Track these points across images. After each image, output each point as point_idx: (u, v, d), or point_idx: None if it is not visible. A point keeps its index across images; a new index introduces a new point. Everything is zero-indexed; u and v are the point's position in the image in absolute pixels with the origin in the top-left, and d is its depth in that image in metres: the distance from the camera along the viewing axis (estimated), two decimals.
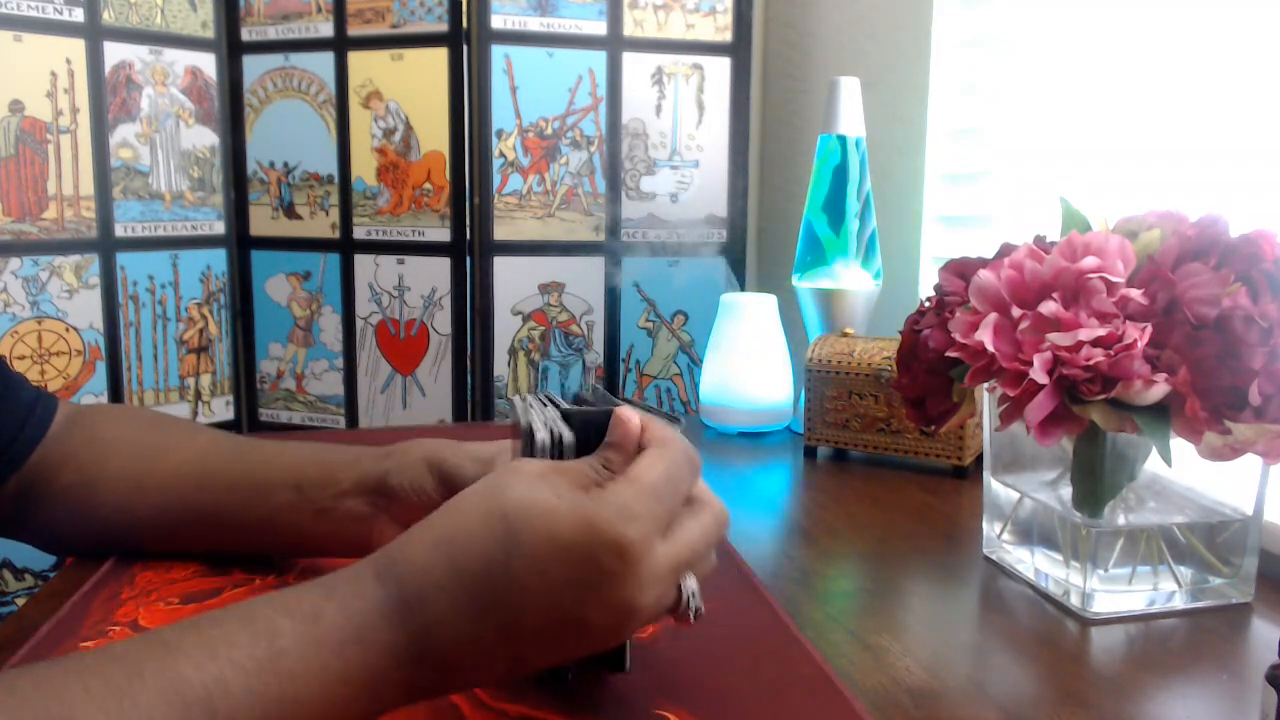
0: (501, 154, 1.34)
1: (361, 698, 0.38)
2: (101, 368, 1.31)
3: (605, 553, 0.39)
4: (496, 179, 1.34)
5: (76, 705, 0.32)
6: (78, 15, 1.25)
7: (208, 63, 1.39)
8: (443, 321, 1.37)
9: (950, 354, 0.60)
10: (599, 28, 1.34)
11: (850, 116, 1.07)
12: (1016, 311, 0.58)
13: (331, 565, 0.62)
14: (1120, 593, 0.61)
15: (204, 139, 1.40)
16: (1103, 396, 0.54)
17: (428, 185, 1.35)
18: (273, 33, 1.39)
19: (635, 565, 0.39)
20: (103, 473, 0.63)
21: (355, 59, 1.36)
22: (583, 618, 0.39)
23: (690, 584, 0.42)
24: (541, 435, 0.44)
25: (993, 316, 0.58)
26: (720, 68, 1.39)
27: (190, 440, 0.66)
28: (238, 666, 0.35)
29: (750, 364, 1.07)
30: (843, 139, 1.06)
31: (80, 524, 0.64)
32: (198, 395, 1.42)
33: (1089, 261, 0.57)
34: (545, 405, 0.48)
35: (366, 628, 0.38)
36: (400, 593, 0.39)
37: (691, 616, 0.42)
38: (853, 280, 1.06)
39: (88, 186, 1.28)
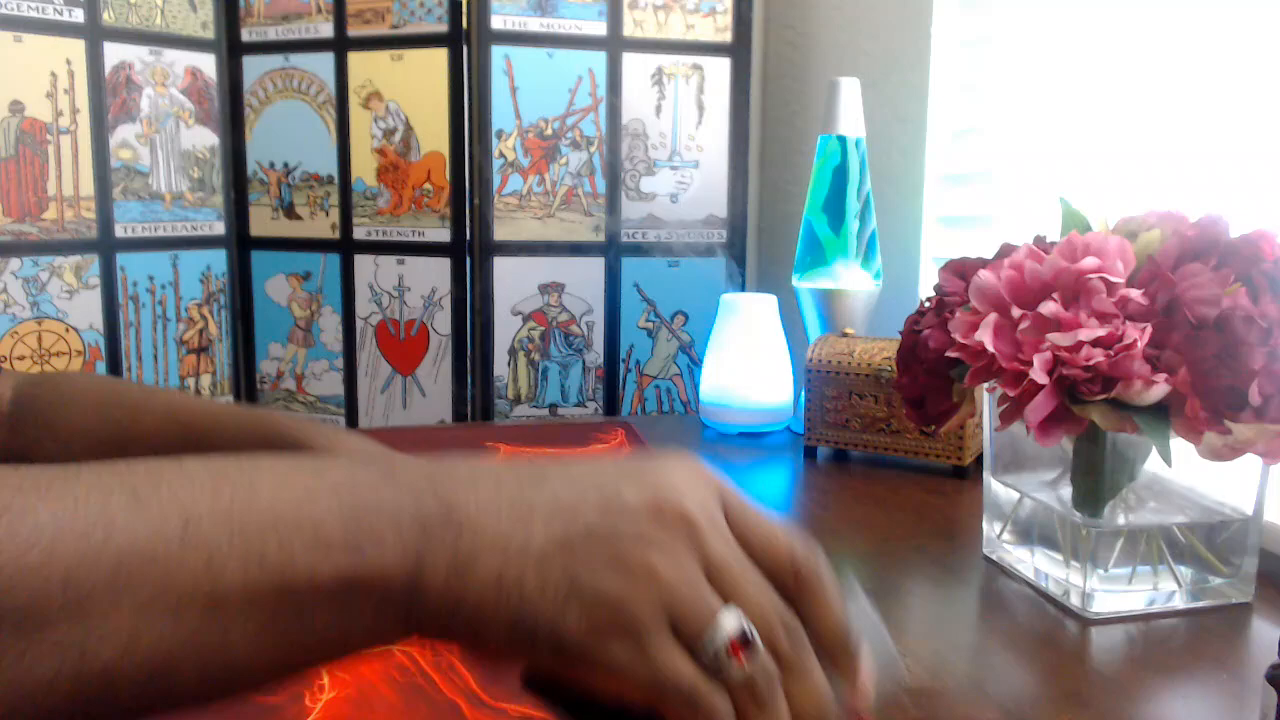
0: (501, 154, 1.34)
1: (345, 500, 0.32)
2: (101, 368, 1.31)
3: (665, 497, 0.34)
4: (496, 179, 1.34)
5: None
6: (78, 16, 1.25)
7: (208, 63, 1.39)
8: (443, 322, 1.37)
9: (950, 354, 0.60)
10: (599, 28, 1.34)
11: (850, 117, 1.07)
12: (1016, 311, 0.58)
13: None
14: (1120, 593, 0.61)
15: (204, 139, 1.40)
16: (1103, 396, 0.54)
17: (428, 186, 1.35)
18: (273, 33, 1.39)
19: (687, 518, 0.34)
20: (82, 436, 0.62)
21: (355, 59, 1.36)
22: (618, 493, 0.34)
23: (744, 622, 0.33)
24: None
25: (993, 316, 0.58)
26: (720, 68, 1.39)
27: (152, 397, 0.65)
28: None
29: (750, 364, 1.07)
30: (843, 139, 1.06)
31: None
32: (198, 395, 1.42)
33: (1089, 261, 0.57)
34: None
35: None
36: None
37: (726, 650, 0.33)
38: (853, 280, 1.06)
39: (88, 187, 1.28)
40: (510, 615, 0.32)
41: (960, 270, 0.66)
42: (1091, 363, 0.54)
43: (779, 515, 0.37)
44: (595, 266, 1.38)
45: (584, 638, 0.32)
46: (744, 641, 0.33)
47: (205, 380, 1.42)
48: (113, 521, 0.28)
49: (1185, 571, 0.62)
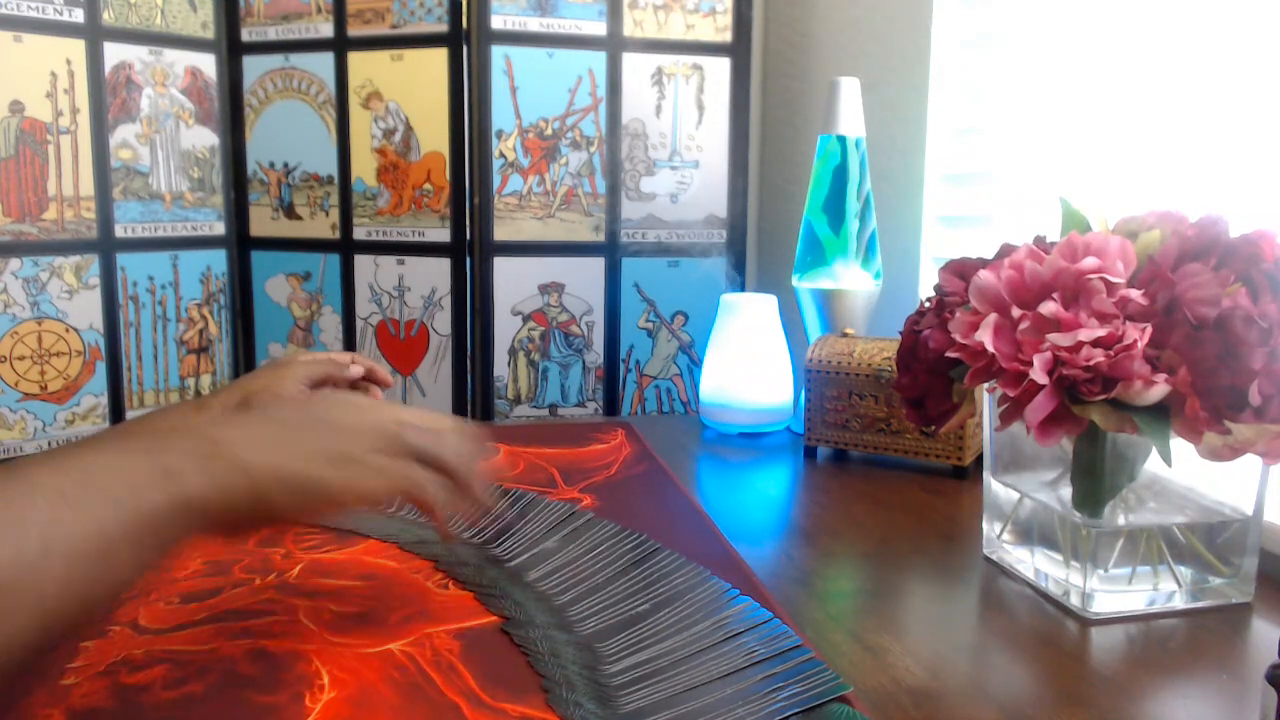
0: (501, 154, 1.34)
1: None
2: (101, 368, 1.31)
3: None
4: (496, 179, 1.34)
5: None
6: (78, 16, 1.25)
7: (208, 63, 1.39)
8: (443, 322, 1.37)
9: (950, 354, 0.60)
10: (599, 28, 1.34)
11: (850, 116, 1.07)
12: (1016, 312, 0.58)
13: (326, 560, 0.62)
14: (1120, 593, 0.61)
15: (204, 139, 1.40)
16: (1103, 397, 0.54)
17: (428, 185, 1.35)
18: (273, 33, 1.39)
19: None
20: None
21: (355, 59, 1.36)
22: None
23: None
24: None
25: (993, 317, 0.58)
26: (720, 68, 1.39)
27: None
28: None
29: (750, 364, 1.07)
30: (843, 139, 1.06)
31: None
32: (198, 396, 1.41)
33: (1089, 262, 0.57)
34: None
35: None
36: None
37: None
38: (853, 280, 1.06)
39: (88, 187, 1.28)
40: (292, 484, 0.50)
41: (960, 270, 0.66)
42: (1091, 363, 0.54)
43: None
44: (595, 266, 1.38)
45: (345, 475, 0.51)
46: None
47: (205, 380, 1.42)
48: (23, 516, 0.41)
49: (1185, 571, 0.62)
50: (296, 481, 0.50)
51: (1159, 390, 0.53)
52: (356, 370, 0.91)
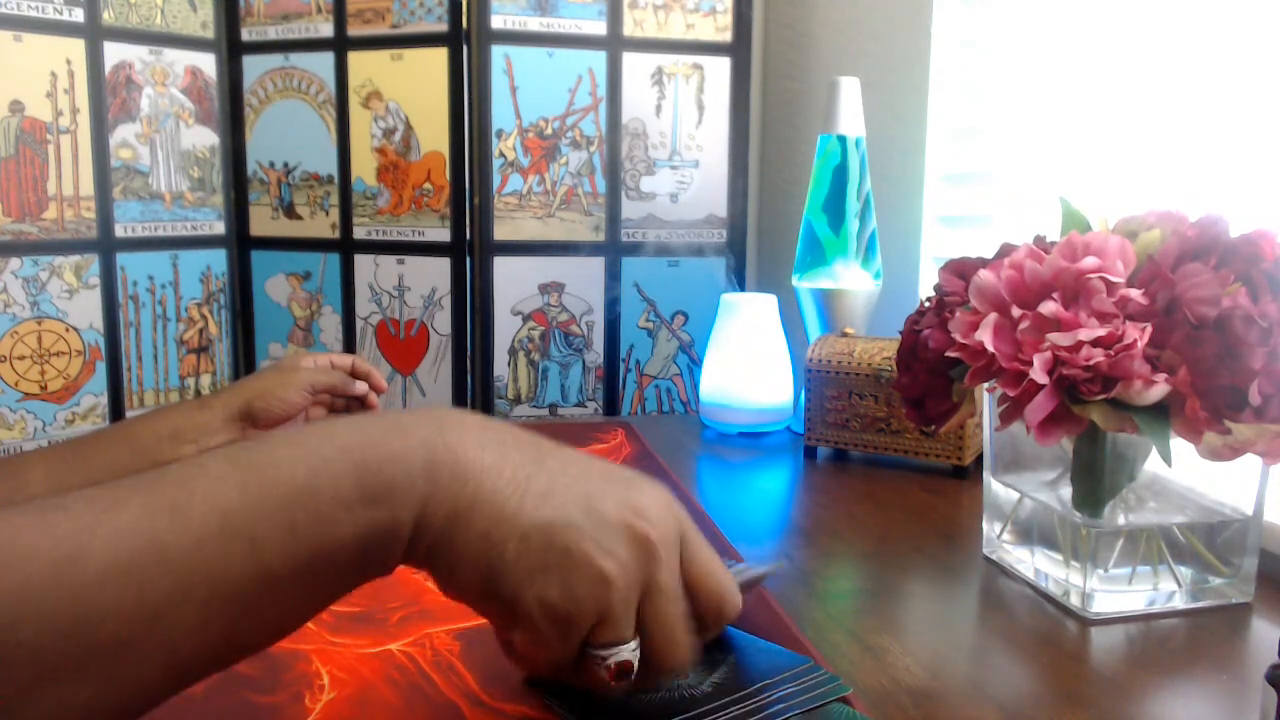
0: (501, 154, 1.34)
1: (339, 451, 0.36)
2: (101, 368, 1.31)
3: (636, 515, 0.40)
4: (496, 179, 1.34)
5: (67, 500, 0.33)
6: (78, 15, 1.25)
7: (208, 63, 1.39)
8: (443, 322, 1.37)
9: (950, 354, 0.60)
10: (599, 28, 1.34)
11: (850, 116, 1.07)
12: (1016, 311, 0.58)
13: None
14: (1120, 593, 0.61)
15: (204, 139, 1.40)
16: (1103, 396, 0.54)
17: (428, 185, 1.35)
18: (273, 33, 1.39)
19: (648, 542, 0.40)
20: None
21: (355, 59, 1.36)
22: (592, 493, 0.40)
23: (632, 648, 0.41)
24: None
25: (993, 316, 0.58)
26: (720, 68, 1.39)
27: (24, 468, 0.72)
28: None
29: (750, 364, 1.07)
30: (843, 139, 1.06)
31: None
32: (198, 395, 1.41)
33: (1089, 261, 0.57)
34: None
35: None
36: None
37: (611, 669, 0.40)
38: (853, 280, 1.06)
39: (88, 186, 1.28)
40: (485, 569, 0.38)
41: (960, 270, 0.66)
42: (1091, 363, 0.54)
43: (723, 565, 0.44)
44: (595, 266, 1.38)
45: (533, 609, 0.38)
46: (621, 673, 0.40)
47: (205, 380, 1.42)
48: (162, 544, 0.31)
49: (1185, 571, 0.62)
50: (526, 553, 0.38)
51: (1159, 390, 0.53)
52: (362, 388, 0.90)
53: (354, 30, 1.35)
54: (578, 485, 0.40)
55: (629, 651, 0.40)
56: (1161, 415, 0.54)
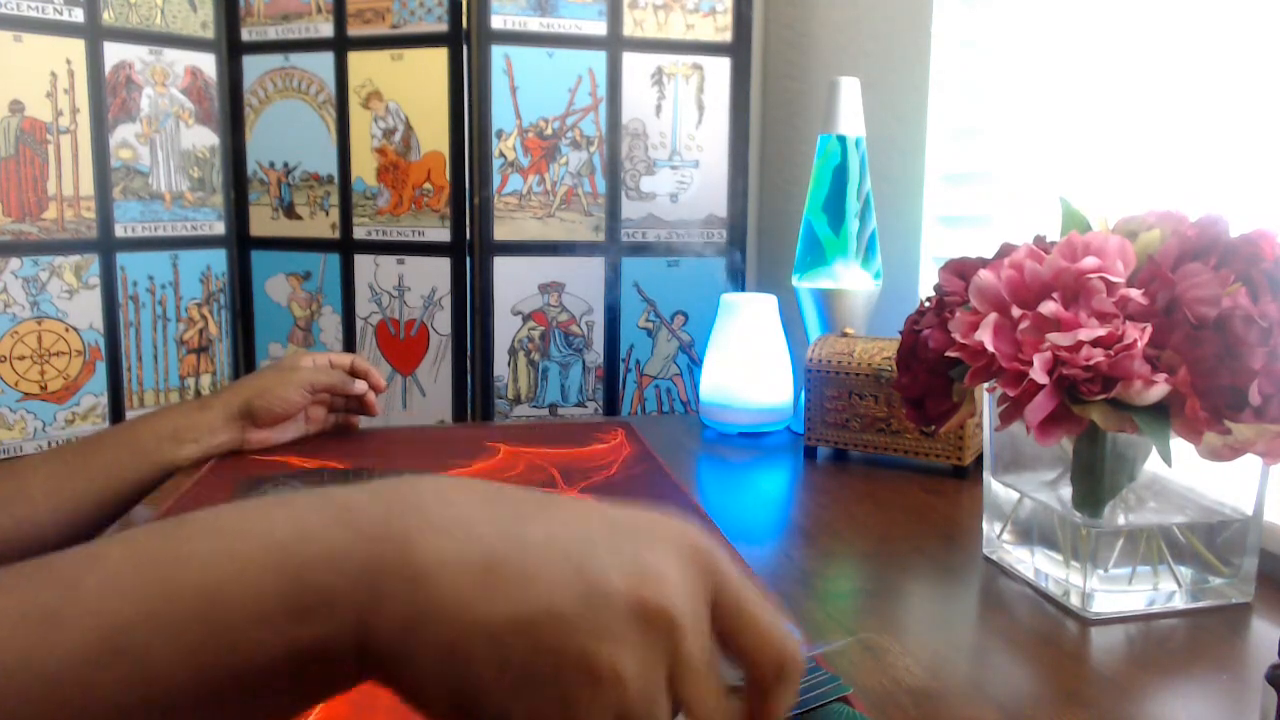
0: (501, 154, 1.34)
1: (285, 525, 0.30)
2: (101, 368, 1.31)
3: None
4: (496, 179, 1.34)
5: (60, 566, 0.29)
6: (78, 15, 1.25)
7: (208, 63, 1.39)
8: (443, 322, 1.37)
9: (950, 354, 0.60)
10: (599, 28, 1.34)
11: (850, 116, 1.07)
12: (1016, 311, 0.58)
13: None
14: (1120, 593, 0.61)
15: (204, 139, 1.40)
16: (1103, 396, 0.54)
17: (428, 185, 1.35)
18: (273, 33, 1.39)
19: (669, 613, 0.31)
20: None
21: (355, 59, 1.36)
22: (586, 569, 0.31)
23: None
24: None
25: (993, 316, 0.58)
26: (720, 68, 1.39)
27: (28, 471, 0.74)
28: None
29: (750, 364, 1.07)
30: (843, 139, 1.06)
31: None
32: (198, 395, 1.41)
33: (1089, 261, 0.57)
34: None
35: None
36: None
37: None
38: (853, 280, 1.06)
39: (88, 186, 1.28)
40: (453, 685, 0.29)
41: (960, 270, 0.66)
42: (1091, 363, 0.54)
43: (773, 606, 0.34)
44: (595, 266, 1.38)
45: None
46: None
47: (205, 380, 1.42)
48: (32, 662, 0.26)
49: (1185, 571, 0.62)
50: (502, 665, 0.29)
51: (1159, 390, 0.53)
52: (361, 386, 0.92)
53: (354, 30, 1.35)
54: (569, 557, 0.31)
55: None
56: (1161, 415, 0.54)
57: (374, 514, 0.30)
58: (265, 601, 0.28)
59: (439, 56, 1.32)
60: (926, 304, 0.67)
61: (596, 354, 1.40)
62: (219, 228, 1.43)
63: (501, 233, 1.35)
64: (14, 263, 1.23)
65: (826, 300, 1.07)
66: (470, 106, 1.32)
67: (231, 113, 1.42)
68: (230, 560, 0.28)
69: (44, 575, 0.28)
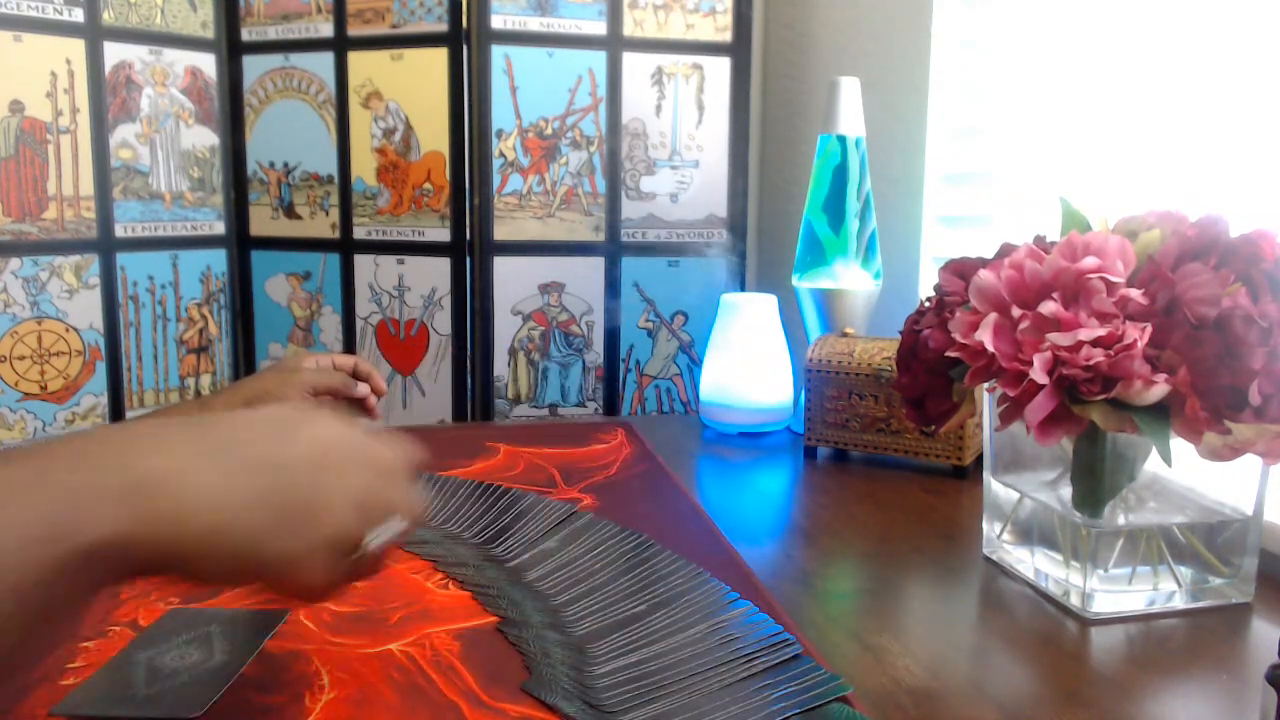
0: (501, 154, 1.34)
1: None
2: (101, 368, 1.31)
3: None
4: (496, 179, 1.34)
5: None
6: (78, 15, 1.25)
7: (208, 63, 1.39)
8: (443, 321, 1.37)
9: (950, 354, 0.60)
10: (599, 28, 1.34)
11: (850, 116, 1.07)
12: (1016, 311, 0.58)
13: None
14: (1120, 593, 0.61)
15: (204, 139, 1.40)
16: (1103, 396, 0.54)
17: (428, 185, 1.35)
18: (273, 33, 1.39)
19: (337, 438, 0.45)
20: None
21: (355, 59, 1.36)
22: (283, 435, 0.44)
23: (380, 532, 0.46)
24: None
25: (993, 316, 0.58)
26: (720, 68, 1.39)
27: None
28: None
29: (750, 364, 1.07)
30: (843, 139, 1.06)
31: None
32: (198, 395, 1.41)
33: (1089, 261, 0.57)
34: None
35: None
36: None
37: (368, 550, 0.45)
38: (853, 280, 1.06)
39: (88, 186, 1.28)
40: (228, 551, 0.40)
41: (960, 270, 0.66)
42: (1091, 363, 0.54)
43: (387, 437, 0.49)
44: (595, 266, 1.38)
45: (280, 562, 0.42)
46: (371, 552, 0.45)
47: (205, 380, 1.42)
48: None
49: (1185, 571, 0.62)
50: (232, 550, 0.40)
51: (1159, 390, 0.53)
52: (363, 389, 0.91)
53: (354, 30, 1.35)
54: (265, 441, 0.44)
55: (374, 544, 0.45)
56: (1161, 415, 0.54)
57: (105, 452, 0.39)
58: (27, 530, 0.35)
59: (439, 56, 1.32)
60: (926, 304, 0.67)
61: (596, 354, 1.40)
62: (219, 228, 1.43)
63: (501, 233, 1.35)
64: (14, 263, 1.23)
65: (826, 300, 1.07)
66: (470, 106, 1.32)
67: (231, 113, 1.42)
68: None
69: None
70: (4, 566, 0.34)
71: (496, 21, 1.30)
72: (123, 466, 0.38)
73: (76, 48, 1.25)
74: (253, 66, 1.41)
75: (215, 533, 0.40)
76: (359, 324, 1.41)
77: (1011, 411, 0.56)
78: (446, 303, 1.36)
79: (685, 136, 1.39)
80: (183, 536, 0.39)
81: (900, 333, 0.70)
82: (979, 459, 0.92)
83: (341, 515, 0.44)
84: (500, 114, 1.33)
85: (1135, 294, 0.56)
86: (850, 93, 1.07)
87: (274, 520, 0.41)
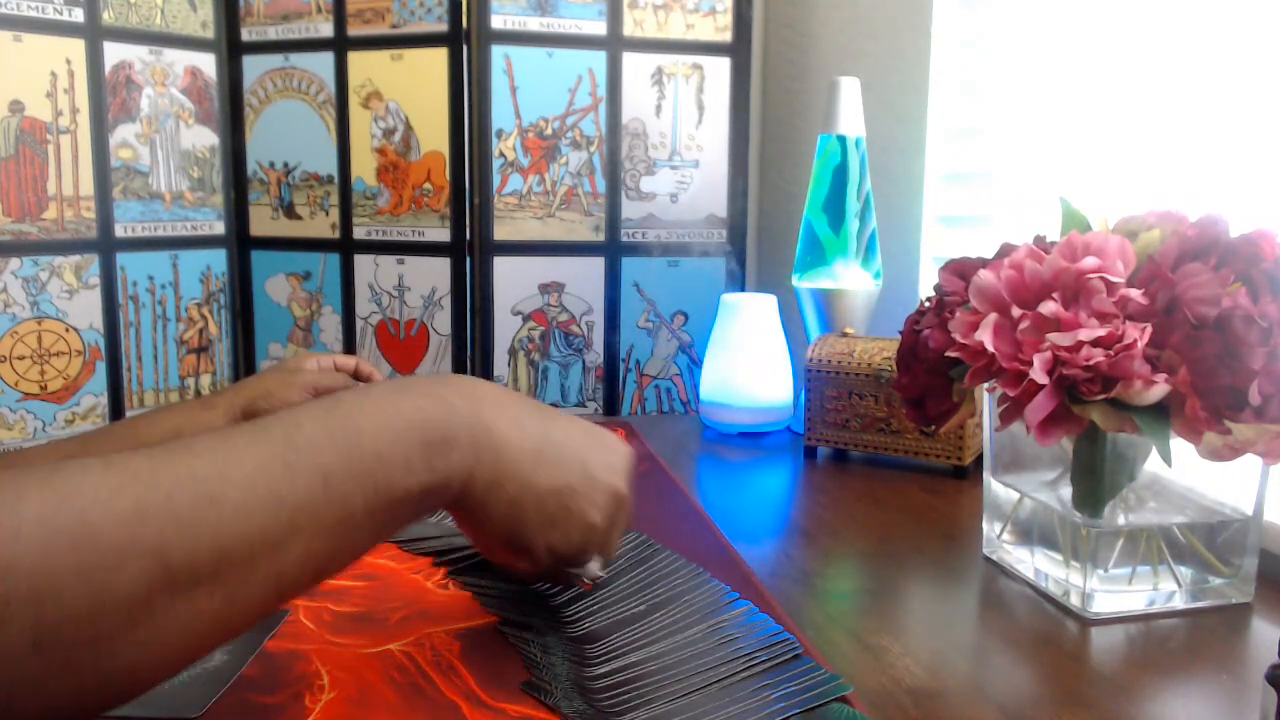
0: (501, 154, 1.34)
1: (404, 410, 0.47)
2: (101, 368, 1.31)
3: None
4: (496, 179, 1.34)
5: (192, 448, 0.41)
6: (78, 15, 1.25)
7: (208, 63, 1.39)
8: (443, 322, 1.37)
9: (950, 354, 0.60)
10: (599, 28, 1.34)
11: (850, 116, 1.07)
12: (1016, 311, 0.58)
13: None
14: (1120, 593, 0.61)
15: (204, 139, 1.40)
16: (1103, 396, 0.54)
17: (428, 185, 1.35)
18: (273, 33, 1.39)
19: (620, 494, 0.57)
20: None
21: (355, 59, 1.36)
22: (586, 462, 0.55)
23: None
24: None
25: (993, 316, 0.58)
26: (720, 68, 1.39)
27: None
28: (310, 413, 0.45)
29: (750, 364, 1.07)
30: (843, 139, 1.06)
31: None
32: (198, 395, 1.41)
33: (1089, 261, 0.57)
34: None
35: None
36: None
37: (591, 578, 0.59)
38: (853, 280, 1.06)
39: (88, 186, 1.28)
40: (510, 524, 0.52)
41: (960, 270, 0.66)
42: (1091, 363, 0.54)
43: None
44: (595, 266, 1.38)
45: (542, 552, 0.54)
46: (590, 579, 0.59)
47: (205, 380, 1.42)
48: (280, 494, 0.41)
49: (1185, 571, 0.62)
50: (517, 522, 0.52)
51: (1159, 390, 0.53)
52: None
53: (354, 30, 1.35)
54: (574, 451, 0.54)
55: (594, 570, 0.57)
56: (1161, 415, 0.54)
57: (467, 406, 0.49)
58: (413, 460, 0.46)
59: (439, 56, 1.32)
60: (926, 304, 0.67)
61: (596, 354, 1.40)
62: (219, 228, 1.43)
63: (501, 233, 1.35)
64: (14, 263, 1.23)
65: (826, 300, 1.07)
66: (470, 106, 1.32)
67: (231, 113, 1.42)
68: (388, 433, 0.45)
69: (266, 438, 0.42)
70: (376, 487, 0.44)
71: (496, 21, 1.30)
72: (481, 417, 0.49)
73: (76, 48, 1.25)
74: (253, 66, 1.40)
75: (514, 505, 0.51)
76: (359, 324, 1.41)
77: (1011, 411, 0.56)
78: (446, 303, 1.36)
79: (685, 136, 1.39)
80: (510, 500, 0.51)
81: (900, 333, 0.70)
82: (979, 459, 0.92)
83: (581, 537, 0.54)
84: (500, 114, 1.33)
85: (1135, 294, 0.56)
86: (850, 93, 1.07)
87: (553, 514, 0.53)
